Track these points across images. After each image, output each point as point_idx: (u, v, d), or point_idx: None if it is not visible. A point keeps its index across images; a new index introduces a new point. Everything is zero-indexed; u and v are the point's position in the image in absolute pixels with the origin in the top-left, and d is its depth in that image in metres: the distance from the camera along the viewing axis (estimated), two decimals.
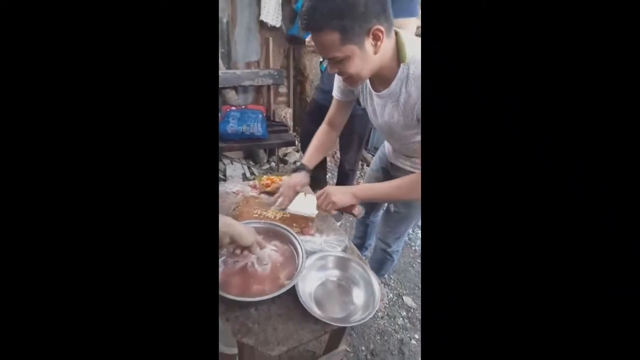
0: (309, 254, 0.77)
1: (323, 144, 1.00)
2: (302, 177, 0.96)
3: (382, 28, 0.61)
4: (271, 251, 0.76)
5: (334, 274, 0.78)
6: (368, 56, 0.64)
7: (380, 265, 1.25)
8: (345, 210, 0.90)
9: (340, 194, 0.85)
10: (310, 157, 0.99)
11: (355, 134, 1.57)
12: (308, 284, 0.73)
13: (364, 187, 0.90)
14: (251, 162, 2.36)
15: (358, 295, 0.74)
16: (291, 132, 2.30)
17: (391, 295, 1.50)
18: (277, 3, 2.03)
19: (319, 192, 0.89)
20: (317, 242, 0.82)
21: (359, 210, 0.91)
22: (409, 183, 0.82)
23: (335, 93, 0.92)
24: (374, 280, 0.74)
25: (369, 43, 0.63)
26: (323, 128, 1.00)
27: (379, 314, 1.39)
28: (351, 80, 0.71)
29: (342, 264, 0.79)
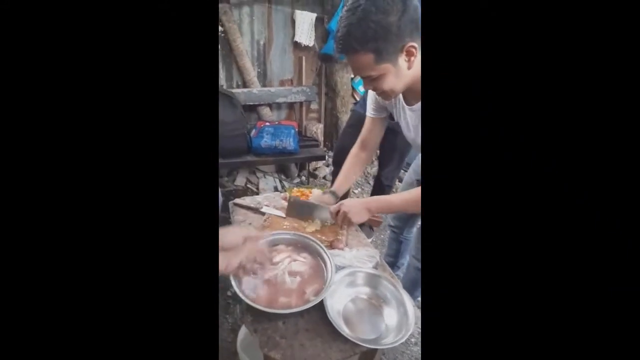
0: (338, 268, 0.75)
1: (353, 169, 1.01)
2: (327, 200, 0.98)
3: (415, 45, 0.63)
4: (299, 264, 0.75)
5: (364, 291, 0.75)
6: (402, 72, 0.67)
7: (414, 285, 1.18)
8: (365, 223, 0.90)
9: (356, 213, 0.85)
10: (339, 185, 1.00)
11: (397, 150, 1.56)
12: (337, 301, 0.71)
13: (379, 201, 0.90)
14: (282, 176, 2.41)
15: (390, 316, 0.69)
16: (322, 147, 2.33)
17: None
18: (310, 24, 2.13)
19: (335, 207, 0.88)
20: (347, 257, 0.80)
21: (378, 221, 0.90)
22: (419, 195, 0.81)
23: (369, 111, 0.94)
24: (407, 300, 0.69)
25: (402, 59, 0.65)
26: (354, 151, 1.01)
27: (413, 339, 1.29)
28: (385, 95, 0.73)
29: (372, 281, 0.75)
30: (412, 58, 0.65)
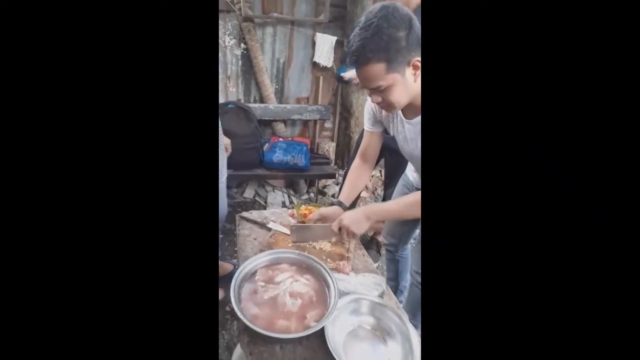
0: (342, 294, 0.72)
1: (357, 179, 1.03)
2: (334, 211, 0.96)
3: (419, 59, 0.69)
4: (301, 285, 0.73)
5: (367, 321, 0.71)
6: (408, 84, 0.72)
7: (418, 305, 1.12)
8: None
9: (356, 224, 0.85)
10: (346, 194, 1.02)
11: (401, 171, 1.55)
12: (338, 329, 0.67)
13: (375, 208, 0.93)
14: (291, 191, 2.41)
15: (394, 351, 0.65)
16: (332, 165, 2.33)
17: None
18: (330, 46, 2.19)
19: (335, 223, 0.86)
20: (352, 283, 0.77)
21: (380, 226, 0.91)
22: (419, 199, 0.82)
23: (366, 125, 0.97)
24: (413, 334, 0.65)
25: (409, 72, 0.71)
26: (356, 163, 1.03)
27: None
28: (391, 107, 0.77)
29: (377, 310, 0.71)
30: (418, 72, 0.71)
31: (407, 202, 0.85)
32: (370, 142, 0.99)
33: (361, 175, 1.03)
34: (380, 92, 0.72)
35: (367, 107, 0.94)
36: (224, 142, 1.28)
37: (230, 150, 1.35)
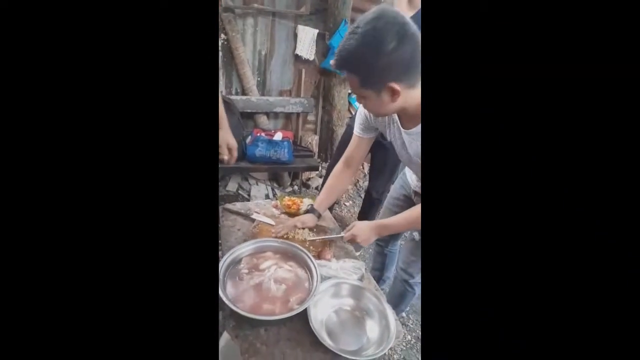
0: (324, 279, 0.76)
1: (336, 186, 1.00)
2: (309, 220, 0.98)
3: (397, 87, 0.64)
4: (285, 271, 0.76)
5: (347, 302, 0.75)
6: (384, 102, 0.68)
7: (400, 298, 1.18)
8: None
9: (365, 236, 0.90)
10: (321, 201, 1.00)
11: (389, 164, 1.57)
12: (320, 311, 0.71)
13: (385, 225, 0.92)
14: (275, 184, 2.42)
15: (372, 328, 0.70)
16: (316, 157, 2.36)
17: (409, 337, 1.39)
18: (312, 39, 2.19)
19: (347, 235, 0.91)
20: (333, 268, 0.81)
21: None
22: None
23: (356, 129, 0.92)
24: (390, 313, 0.70)
25: (385, 93, 0.66)
26: (339, 167, 0.99)
27: (395, 355, 1.29)
28: (374, 114, 0.77)
29: (356, 293, 0.76)
30: (395, 96, 0.66)
31: (413, 216, 0.85)
32: (357, 148, 0.94)
33: (342, 181, 0.99)
34: (359, 98, 0.71)
35: (360, 111, 0.90)
36: (229, 144, 0.92)
37: (235, 156, 0.95)
